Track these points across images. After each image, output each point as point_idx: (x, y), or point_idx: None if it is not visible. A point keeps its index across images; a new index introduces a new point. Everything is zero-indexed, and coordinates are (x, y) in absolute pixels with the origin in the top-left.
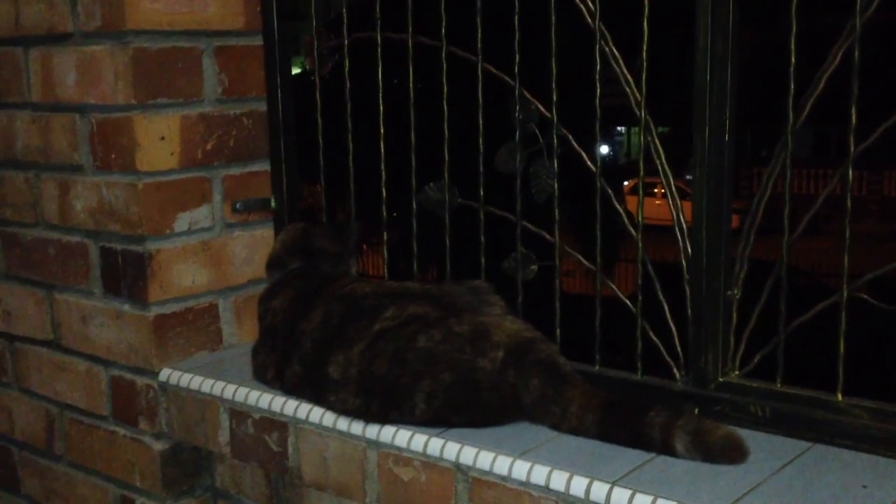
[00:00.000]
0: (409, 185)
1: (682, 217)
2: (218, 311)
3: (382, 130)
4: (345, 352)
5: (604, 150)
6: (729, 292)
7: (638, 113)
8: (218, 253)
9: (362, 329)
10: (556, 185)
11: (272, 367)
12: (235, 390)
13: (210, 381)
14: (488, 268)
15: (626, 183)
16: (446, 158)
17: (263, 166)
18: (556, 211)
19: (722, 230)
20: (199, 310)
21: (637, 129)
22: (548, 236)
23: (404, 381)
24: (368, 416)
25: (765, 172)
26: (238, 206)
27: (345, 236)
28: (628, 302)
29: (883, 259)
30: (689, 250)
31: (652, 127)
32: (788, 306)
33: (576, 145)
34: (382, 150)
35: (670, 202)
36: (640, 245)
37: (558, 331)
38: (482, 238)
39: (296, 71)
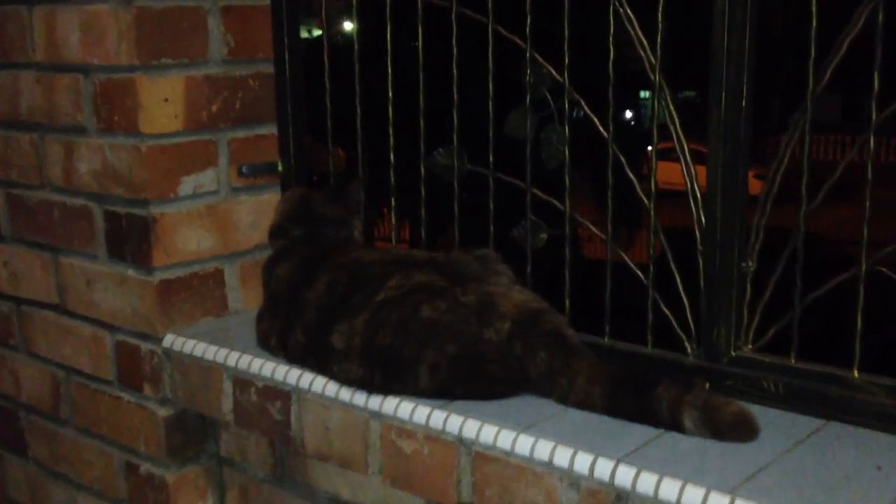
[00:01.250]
0: (418, 149)
1: (696, 185)
2: (223, 276)
3: (391, 94)
4: (348, 321)
5: (627, 114)
6: (743, 264)
7: (652, 77)
8: (223, 217)
9: (366, 298)
10: (566, 152)
11: (275, 336)
12: (239, 358)
13: (214, 348)
14: (499, 236)
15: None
16: (456, 123)
17: (270, 129)
18: (567, 178)
19: (737, 200)
20: (204, 275)
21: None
22: (558, 204)
23: (408, 351)
24: (371, 387)
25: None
26: (244, 169)
27: (348, 200)
28: (639, 272)
29: None
30: (703, 220)
31: (666, 92)
32: (807, 278)
33: (587, 110)
34: (391, 115)
35: (684, 170)
36: (652, 214)
37: (567, 301)
38: (491, 205)
39: (318, 33)
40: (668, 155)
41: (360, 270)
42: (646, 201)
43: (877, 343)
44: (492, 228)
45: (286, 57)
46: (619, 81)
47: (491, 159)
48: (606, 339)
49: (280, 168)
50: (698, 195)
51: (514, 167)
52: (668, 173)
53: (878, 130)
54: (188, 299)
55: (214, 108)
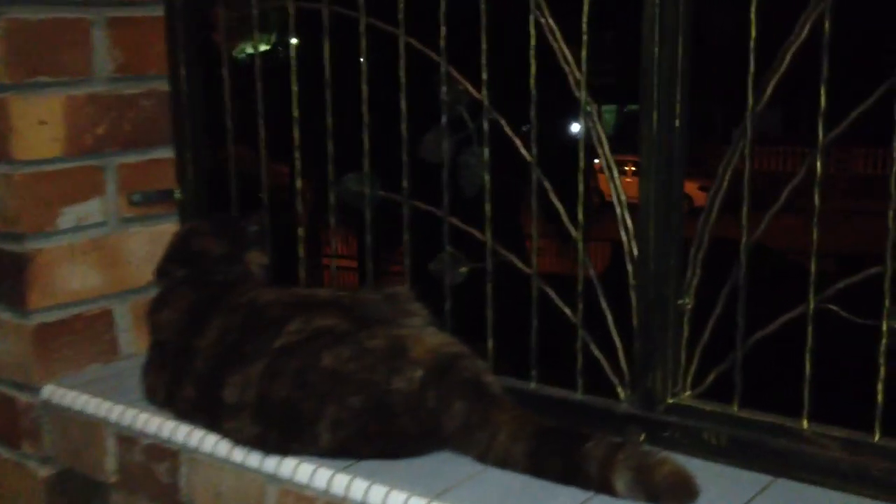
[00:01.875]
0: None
1: (626, 213)
2: (113, 317)
3: (296, 113)
4: (242, 372)
5: (575, 128)
6: (680, 301)
7: (577, 94)
8: (113, 252)
9: (262, 346)
10: (486, 177)
11: (162, 389)
12: (123, 412)
13: (96, 401)
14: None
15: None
16: (366, 146)
17: (166, 153)
18: (488, 206)
19: (672, 231)
20: (90, 317)
21: (609, 105)
22: (478, 235)
23: (306, 406)
24: (267, 447)
25: (721, 163)
26: (136, 198)
27: (237, 232)
28: (567, 310)
29: (850, 236)
30: (635, 252)
31: (594, 112)
32: (751, 296)
33: (509, 131)
34: (297, 136)
35: (615, 197)
36: (581, 245)
37: (490, 342)
38: (405, 236)
39: (263, 48)
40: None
41: (255, 314)
42: (573, 232)
43: (830, 389)
44: (407, 261)
45: (182, 72)
46: (561, 94)
47: (404, 184)
48: (533, 384)
49: (178, 195)
50: (629, 224)
51: (436, 192)
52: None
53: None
54: (71, 344)
55: (100, 130)
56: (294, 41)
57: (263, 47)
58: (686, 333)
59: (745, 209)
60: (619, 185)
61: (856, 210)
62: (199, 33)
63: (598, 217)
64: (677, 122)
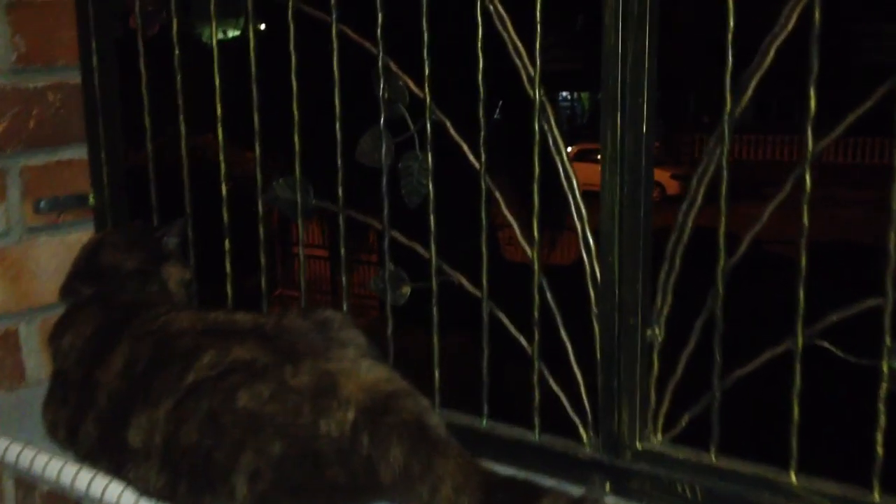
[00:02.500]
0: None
1: (587, 230)
2: (18, 338)
3: (220, 110)
4: (148, 411)
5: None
6: (649, 332)
7: (531, 93)
8: (16, 265)
9: (171, 380)
10: (430, 185)
11: (64, 427)
12: (20, 452)
13: None
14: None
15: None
16: (297, 148)
17: (79, 153)
18: (431, 218)
19: (640, 251)
20: None
21: (584, 93)
22: (421, 251)
23: (220, 454)
24: (176, 500)
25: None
26: (43, 204)
27: (153, 244)
28: (523, 339)
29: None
30: (598, 276)
31: (549, 109)
32: (728, 293)
33: (454, 134)
34: (220, 135)
35: (573, 211)
36: (536, 267)
37: (436, 373)
38: (342, 250)
39: (234, 34)
40: (587, 156)
41: (165, 343)
42: (527, 250)
43: (822, 436)
44: (343, 279)
45: (94, 63)
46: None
47: (340, 193)
48: (485, 423)
49: (92, 201)
50: (591, 242)
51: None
52: (588, 174)
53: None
54: None
55: (0, 129)
56: (262, 26)
57: (233, 33)
58: (656, 369)
59: (721, 229)
60: (580, 198)
61: (827, 198)
62: (114, 18)
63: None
64: (644, 128)
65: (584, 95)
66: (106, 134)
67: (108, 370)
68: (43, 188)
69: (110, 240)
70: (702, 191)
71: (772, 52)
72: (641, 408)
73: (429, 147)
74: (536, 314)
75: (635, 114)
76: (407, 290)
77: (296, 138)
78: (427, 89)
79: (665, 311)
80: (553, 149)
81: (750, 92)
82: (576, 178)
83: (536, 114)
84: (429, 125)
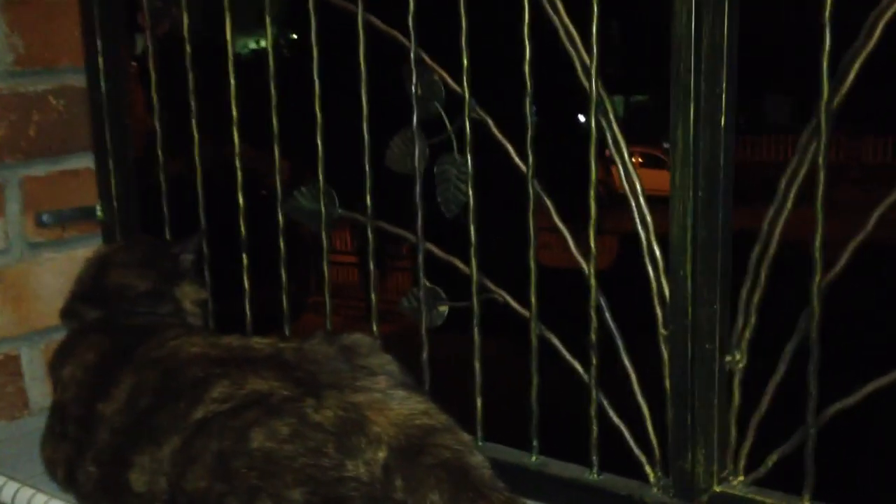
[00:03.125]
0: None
1: (654, 240)
2: (20, 364)
3: (235, 113)
4: (152, 450)
5: (582, 118)
6: (728, 358)
7: (587, 84)
8: (17, 285)
9: (178, 416)
10: (470, 192)
11: (63, 465)
12: (17, 491)
13: None
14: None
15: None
16: (320, 153)
17: (85, 163)
18: (472, 230)
19: (717, 264)
20: None
21: (615, 97)
22: (460, 265)
23: (231, 502)
24: None
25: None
26: (45, 218)
27: (166, 262)
28: (577, 365)
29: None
30: (667, 292)
31: (607, 103)
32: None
33: (497, 133)
34: (236, 140)
35: (636, 218)
36: (593, 283)
37: (479, 401)
38: (370, 264)
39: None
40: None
41: (172, 373)
42: (583, 264)
43: None
44: (372, 297)
45: (101, 64)
46: (560, 83)
47: (368, 202)
48: (535, 459)
49: (100, 213)
50: (657, 255)
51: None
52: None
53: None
54: None
55: None
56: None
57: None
58: (737, 400)
59: (818, 239)
60: (644, 203)
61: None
62: (121, 16)
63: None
64: (723, 122)
65: (618, 100)
66: (114, 141)
67: (111, 403)
68: (46, 201)
69: (120, 258)
70: (792, 194)
71: (879, 31)
72: (720, 445)
73: (468, 149)
74: (594, 336)
75: (712, 107)
76: (444, 309)
77: (318, 140)
78: (465, 84)
79: (747, 334)
80: (612, 147)
81: (852, 77)
82: (640, 180)
83: (593, 108)
84: (468, 124)
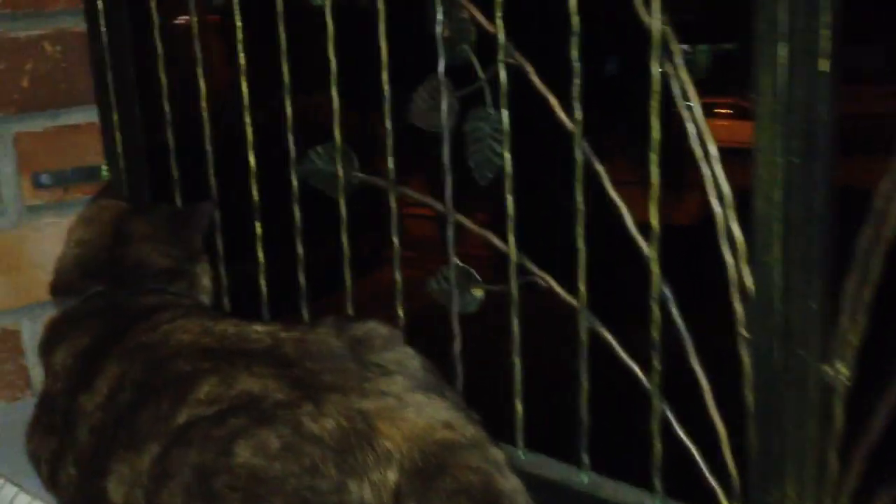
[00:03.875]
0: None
1: (731, 220)
2: (20, 339)
3: (243, 59)
4: (131, 458)
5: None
6: (828, 368)
7: (645, 19)
8: (13, 252)
9: (160, 419)
10: (506, 154)
11: (47, 463)
12: (2, 487)
13: None
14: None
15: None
16: (335, 105)
17: (87, 116)
18: (509, 199)
19: (815, 250)
20: None
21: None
22: (497, 242)
23: None
24: None
25: None
26: (44, 178)
27: (191, 231)
28: (637, 370)
29: None
30: (749, 286)
31: (674, 45)
32: None
33: (538, 83)
34: (245, 89)
35: (711, 187)
36: (655, 270)
37: (518, 407)
38: (395, 239)
39: None
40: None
41: (159, 364)
42: (642, 246)
43: None
44: (397, 276)
45: (100, 5)
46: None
47: (390, 165)
48: (585, 478)
49: (105, 173)
50: (737, 236)
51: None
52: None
53: None
54: None
55: None
56: None
57: None
58: (840, 422)
59: None
60: (719, 170)
61: None
62: None
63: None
64: (821, 65)
65: (702, 48)
66: (117, 92)
67: (92, 396)
68: (44, 159)
69: (142, 229)
70: None
71: None
72: (816, 478)
73: (504, 102)
74: (656, 335)
75: (808, 44)
76: (479, 293)
77: (332, 91)
78: (499, 22)
79: (854, 340)
80: (679, 100)
81: None
82: (713, 140)
83: (655, 50)
84: (502, 72)
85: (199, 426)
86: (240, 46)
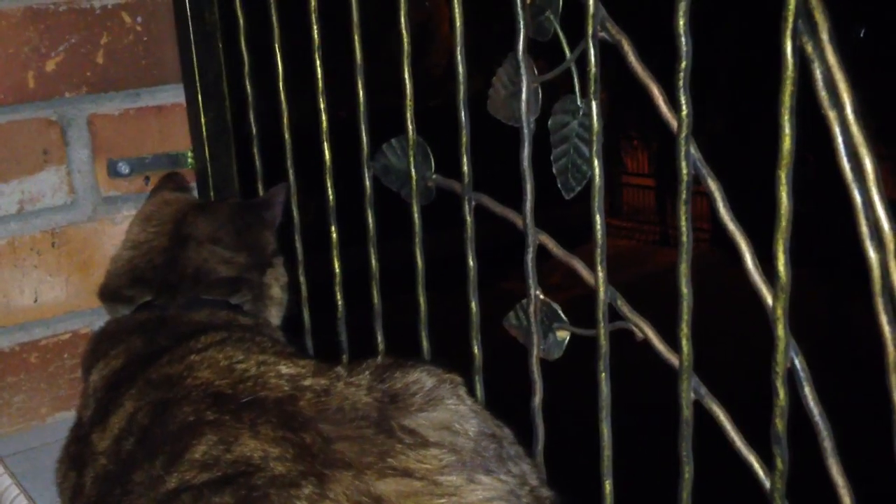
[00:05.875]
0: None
1: (893, 269)
2: None
3: (316, 35)
4: None
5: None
6: None
7: None
8: (86, 248)
9: (153, 480)
10: (595, 160)
11: (68, 494)
12: None
13: (14, 489)
14: None
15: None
16: (408, 92)
17: (172, 97)
18: (598, 220)
19: None
20: (52, 346)
21: None
22: (585, 273)
23: None
24: None
25: None
26: (121, 166)
27: (263, 238)
28: (758, 466)
29: None
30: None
31: (819, 16)
32: None
33: (636, 63)
34: (319, 70)
35: (862, 224)
36: (781, 325)
37: (608, 485)
38: (470, 261)
39: None
40: None
41: (165, 408)
42: (763, 289)
43: None
44: (472, 305)
45: None
46: None
47: (464, 168)
48: None
49: (190, 161)
50: (882, 220)
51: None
52: None
53: None
54: (21, 386)
55: (51, 64)
56: None
57: None
58: None
59: None
60: (879, 200)
61: None
62: None
63: None
64: None
65: None
66: (201, 69)
67: (104, 436)
68: (122, 145)
69: (206, 230)
70: None
71: None
72: None
73: (594, 91)
74: (781, 425)
75: None
76: (564, 335)
77: (405, 73)
78: None
79: None
80: (825, 100)
81: None
82: (870, 153)
83: (790, 19)
84: (593, 49)
85: (189, 494)
86: (313, 19)
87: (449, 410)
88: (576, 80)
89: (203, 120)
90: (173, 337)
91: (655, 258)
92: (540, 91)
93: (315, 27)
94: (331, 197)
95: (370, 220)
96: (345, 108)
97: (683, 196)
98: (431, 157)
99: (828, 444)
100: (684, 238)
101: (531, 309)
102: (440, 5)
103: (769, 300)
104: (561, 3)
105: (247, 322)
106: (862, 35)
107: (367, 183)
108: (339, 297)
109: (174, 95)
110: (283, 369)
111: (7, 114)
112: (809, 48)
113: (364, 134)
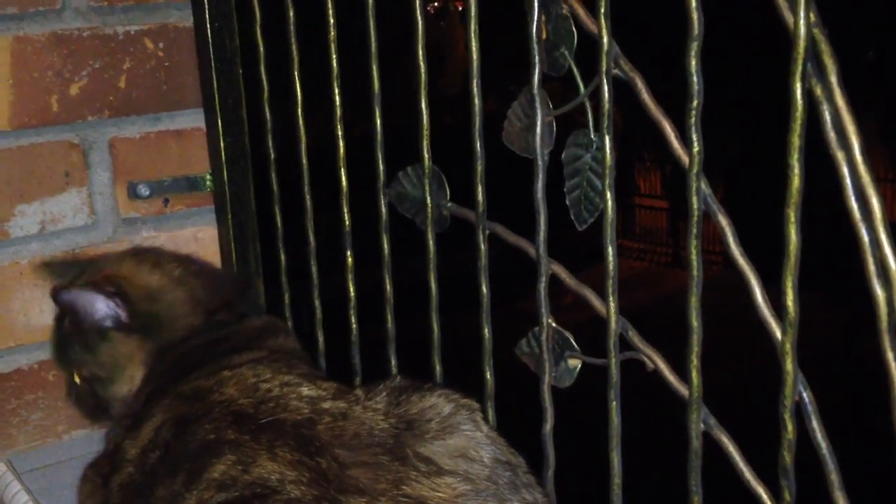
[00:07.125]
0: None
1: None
2: None
3: (335, 63)
4: None
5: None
6: None
7: (787, 17)
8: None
9: (174, 495)
10: (608, 193)
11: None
12: None
13: None
14: None
15: None
16: (424, 117)
17: (192, 121)
18: (609, 249)
19: None
20: None
21: None
22: (596, 303)
23: None
24: None
25: None
26: (141, 189)
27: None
28: (767, 501)
29: None
30: None
31: (825, 52)
32: None
33: (648, 100)
34: (337, 94)
35: (869, 262)
36: (789, 359)
37: None
38: (483, 288)
39: None
40: None
41: (187, 425)
42: (772, 323)
43: None
44: (486, 332)
45: None
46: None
47: (479, 198)
48: None
49: (210, 184)
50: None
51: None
52: None
53: None
54: (40, 404)
55: (75, 89)
56: None
57: None
58: None
59: None
60: (886, 241)
61: None
62: None
63: None
64: None
65: None
66: (221, 94)
67: (135, 444)
68: (142, 168)
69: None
70: None
71: None
72: None
73: (606, 126)
74: (788, 457)
75: None
76: (575, 363)
77: (421, 103)
78: (602, 21)
79: None
80: (832, 138)
81: None
82: (879, 197)
83: (799, 62)
84: (606, 86)
85: None
86: (331, 45)
87: (465, 437)
88: (589, 114)
89: (222, 144)
90: (221, 350)
91: (667, 280)
92: (554, 124)
93: (333, 56)
94: (347, 222)
95: (385, 245)
96: (360, 126)
97: (694, 231)
98: (446, 185)
99: (834, 476)
100: (695, 272)
101: (543, 337)
102: (455, 25)
103: (778, 335)
104: (576, 39)
105: (285, 341)
106: (871, 56)
107: (383, 210)
108: (353, 321)
109: (194, 120)
110: (305, 391)
111: (30, 136)
112: (818, 90)
113: (381, 163)
